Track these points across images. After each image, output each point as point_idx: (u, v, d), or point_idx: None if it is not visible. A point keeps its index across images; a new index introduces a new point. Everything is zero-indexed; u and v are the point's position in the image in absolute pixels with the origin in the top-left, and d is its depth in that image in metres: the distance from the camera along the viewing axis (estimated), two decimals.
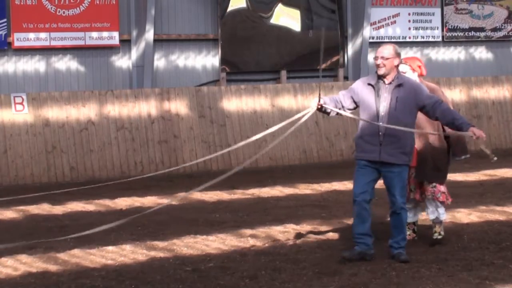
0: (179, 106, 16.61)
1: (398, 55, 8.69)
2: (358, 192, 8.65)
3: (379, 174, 8.67)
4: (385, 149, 8.52)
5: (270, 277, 8.12)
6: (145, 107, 16.38)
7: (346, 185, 13.48)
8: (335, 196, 12.95)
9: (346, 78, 19.02)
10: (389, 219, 8.96)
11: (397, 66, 8.67)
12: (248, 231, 10.23)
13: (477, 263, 8.45)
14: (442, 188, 9.27)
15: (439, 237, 9.29)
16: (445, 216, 9.34)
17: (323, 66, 18.32)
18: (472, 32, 20.45)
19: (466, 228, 10.13)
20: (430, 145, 9.10)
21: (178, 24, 17.58)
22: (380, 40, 19.37)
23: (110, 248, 9.48)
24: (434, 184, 9.20)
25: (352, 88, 8.81)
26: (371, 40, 19.09)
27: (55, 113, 15.67)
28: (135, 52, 17.03)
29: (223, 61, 17.84)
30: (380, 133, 8.54)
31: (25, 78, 16.32)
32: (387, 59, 8.61)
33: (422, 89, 8.68)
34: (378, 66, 8.64)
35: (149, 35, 16.73)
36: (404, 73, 9.04)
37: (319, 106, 8.66)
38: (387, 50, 8.67)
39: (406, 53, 19.81)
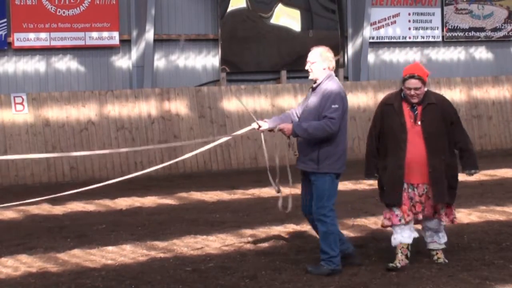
0: (179, 106, 16.61)
1: (326, 57, 8.20)
2: (302, 205, 8.56)
3: None
4: (300, 157, 8.41)
5: (270, 277, 8.12)
6: (145, 107, 16.37)
7: (346, 185, 13.48)
8: None
9: (346, 78, 19.00)
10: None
11: (329, 69, 8.20)
12: (248, 231, 10.23)
13: (477, 263, 8.44)
14: (452, 208, 8.53)
15: (444, 261, 8.56)
16: (445, 238, 8.62)
17: None
18: (472, 32, 20.44)
19: (466, 228, 10.12)
20: (444, 161, 8.28)
21: (178, 24, 17.57)
22: (380, 40, 19.39)
23: (110, 248, 9.48)
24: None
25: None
26: (371, 40, 19.09)
27: (55, 113, 15.67)
28: (135, 52, 17.03)
29: (223, 61, 17.84)
30: (298, 143, 8.40)
31: (25, 78, 16.31)
32: (313, 63, 8.25)
33: (329, 97, 8.09)
34: (308, 71, 8.34)
35: (149, 35, 16.72)
36: (418, 88, 8.16)
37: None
38: (312, 54, 8.27)
39: (406, 53, 19.82)
